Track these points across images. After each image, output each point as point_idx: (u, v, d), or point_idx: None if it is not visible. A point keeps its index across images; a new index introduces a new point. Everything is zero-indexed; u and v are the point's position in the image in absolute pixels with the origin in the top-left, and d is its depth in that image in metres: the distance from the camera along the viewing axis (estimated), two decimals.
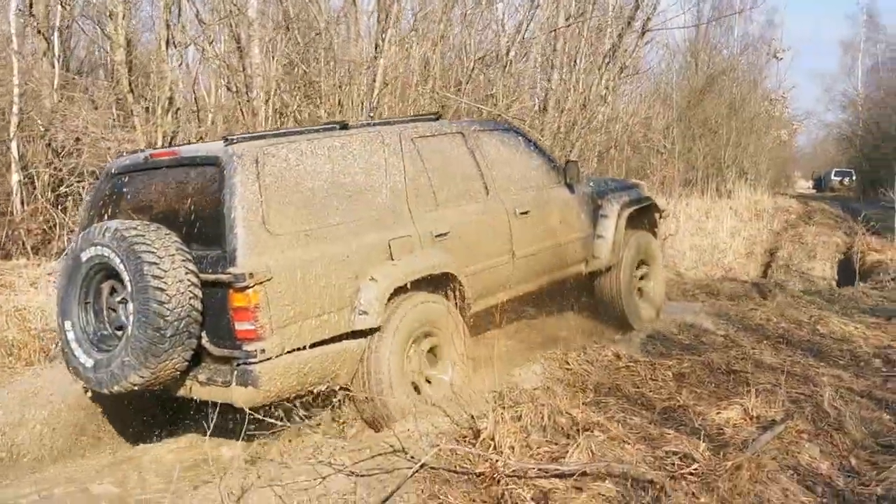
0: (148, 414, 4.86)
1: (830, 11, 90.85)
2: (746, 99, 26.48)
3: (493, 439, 3.66)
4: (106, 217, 4.58)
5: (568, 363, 4.99)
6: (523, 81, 14.13)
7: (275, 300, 4.07)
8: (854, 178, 40.33)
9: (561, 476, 3.42)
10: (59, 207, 10.44)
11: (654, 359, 5.26)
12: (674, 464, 3.56)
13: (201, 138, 9.32)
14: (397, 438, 3.76)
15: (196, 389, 4.25)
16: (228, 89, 10.17)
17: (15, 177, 10.41)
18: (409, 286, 4.66)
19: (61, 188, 9.71)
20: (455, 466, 3.55)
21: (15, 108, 10.55)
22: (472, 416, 4.04)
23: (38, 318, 6.23)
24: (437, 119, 5.88)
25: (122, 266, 4.04)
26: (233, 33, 10.04)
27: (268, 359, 4.04)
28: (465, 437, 3.84)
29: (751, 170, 27.07)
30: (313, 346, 4.27)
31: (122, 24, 7.85)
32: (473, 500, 3.30)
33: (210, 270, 4.08)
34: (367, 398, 4.43)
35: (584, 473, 3.43)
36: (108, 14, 8.32)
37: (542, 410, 4.08)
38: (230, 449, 4.20)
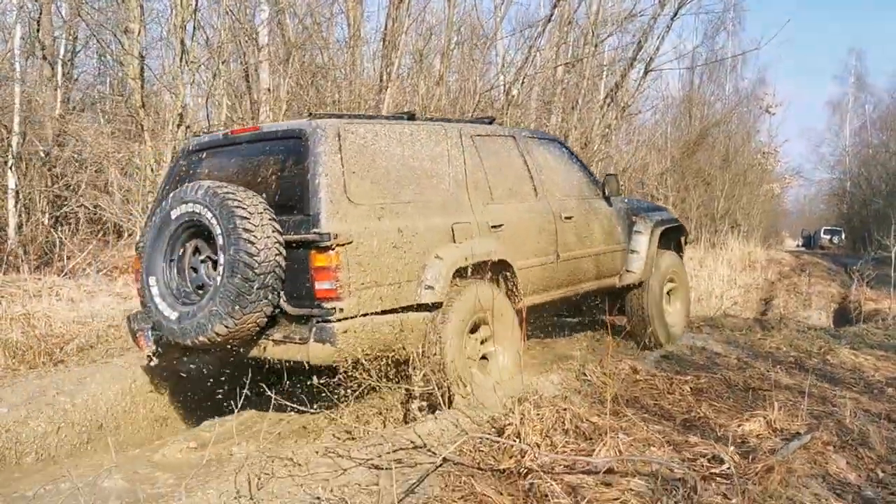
0: (160, 413, 4.75)
1: (817, 72, 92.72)
2: (739, 151, 26.80)
3: (518, 436, 3.57)
4: None
5: (585, 374, 4.90)
6: (526, 120, 14.26)
7: (353, 264, 4.25)
8: (843, 235, 40.71)
9: (589, 472, 3.33)
10: (59, 228, 10.39)
11: (671, 374, 5.19)
12: (703, 465, 3.48)
13: None
14: (417, 434, 3.66)
15: (270, 349, 4.36)
16: (235, 112, 10.20)
17: (11, 201, 10.38)
18: (469, 271, 4.88)
19: (63, 209, 9.63)
20: (479, 463, 3.46)
21: (16, 127, 10.57)
22: (493, 417, 3.95)
23: (43, 323, 6.11)
24: (491, 123, 6.12)
25: (213, 220, 4.24)
26: (242, 58, 10.10)
27: (345, 318, 4.19)
28: (489, 434, 3.74)
29: (743, 222, 27.24)
30: (384, 312, 4.43)
31: (136, 39, 7.88)
32: (500, 493, 3.19)
33: (293, 233, 4.26)
34: (426, 376, 4.46)
35: (611, 471, 3.34)
36: (123, 30, 8.36)
37: (563, 414, 4.00)
38: (242, 449, 4.07)
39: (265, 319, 4.27)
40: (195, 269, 4.51)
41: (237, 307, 4.11)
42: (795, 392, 5.02)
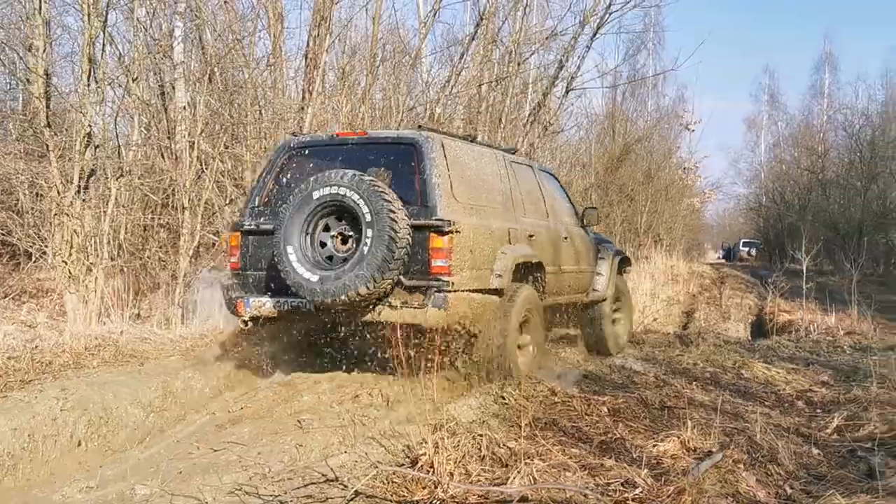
0: (62, 449, 4.53)
1: (734, 90, 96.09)
2: (661, 167, 27.41)
3: (432, 466, 3.50)
4: (284, 181, 5.72)
5: (504, 398, 4.87)
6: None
7: (458, 248, 5.17)
8: (760, 248, 42.14)
9: (502, 501, 3.29)
10: None
11: (589, 395, 5.21)
12: (617, 489, 3.47)
13: (127, 171, 8.99)
14: (330, 467, 3.57)
15: (386, 314, 5.14)
16: (149, 132, 9.92)
17: None
18: (524, 270, 5.99)
19: None
20: (392, 495, 3.38)
21: None
22: (408, 446, 3.88)
23: None
24: (514, 152, 7.27)
25: (361, 202, 4.98)
26: (157, 76, 9.83)
27: (454, 290, 5.11)
28: (402, 464, 3.67)
29: (666, 236, 27.87)
30: (473, 291, 5.33)
31: (42, 57, 7.57)
32: None
33: (412, 218, 5.10)
34: (484, 350, 5.44)
35: (525, 499, 3.31)
36: (27, 47, 8.03)
37: (479, 441, 3.96)
38: (146, 487, 3.89)
39: (391, 286, 5.09)
40: (323, 244, 5.24)
41: (379, 272, 4.91)
42: (710, 409, 5.10)
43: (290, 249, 5.12)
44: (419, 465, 3.56)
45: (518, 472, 3.49)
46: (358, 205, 4.98)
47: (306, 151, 5.82)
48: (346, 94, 12.41)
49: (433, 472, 3.46)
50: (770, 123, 46.91)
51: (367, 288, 4.92)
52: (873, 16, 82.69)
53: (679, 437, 4.32)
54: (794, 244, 23.79)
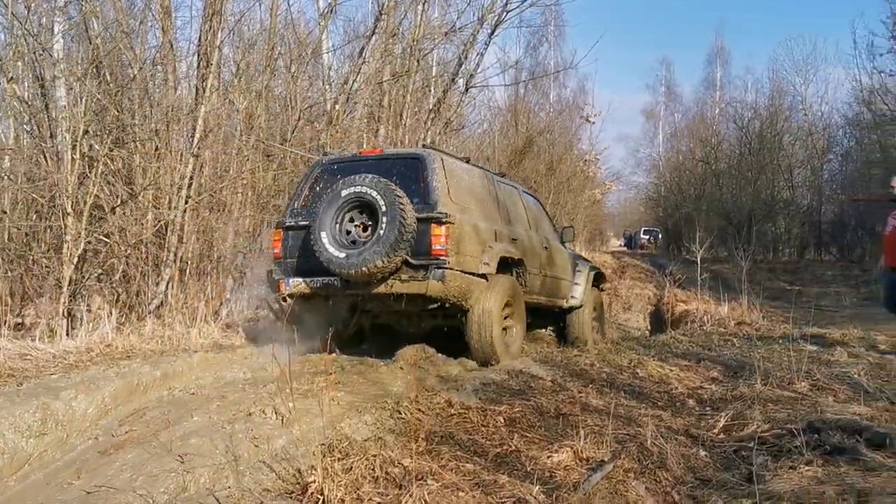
0: None
1: (633, 81, 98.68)
2: (562, 159, 27.88)
3: (321, 493, 3.42)
4: (317, 189, 7.32)
5: (400, 412, 4.82)
6: (350, 134, 14.10)
7: (453, 236, 6.64)
8: (660, 236, 43.47)
9: None
10: None
11: (486, 405, 5.21)
12: None
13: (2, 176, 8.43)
14: (216, 499, 3.44)
15: (397, 286, 6.65)
16: (29, 133, 9.39)
17: None
18: (508, 265, 7.50)
19: None
20: None
21: None
22: (299, 471, 3.79)
23: None
24: (504, 176, 9.23)
25: (378, 197, 6.46)
26: (36, 72, 9.30)
27: (448, 268, 6.57)
28: (292, 492, 3.57)
29: None
30: (465, 272, 6.77)
31: None
32: None
33: (417, 212, 6.57)
34: (476, 330, 6.95)
35: None
36: None
37: (373, 461, 3.90)
38: None
39: (398, 265, 6.53)
40: (348, 231, 6.72)
41: (391, 249, 6.36)
42: (604, 414, 5.16)
43: (323, 235, 6.61)
44: (309, 492, 3.48)
45: (410, 495, 3.46)
46: (375, 199, 6.46)
47: (335, 166, 7.43)
48: (242, 91, 12.08)
49: (323, 500, 3.38)
50: (667, 114, 48.61)
51: (383, 262, 6.36)
52: (761, 9, 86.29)
53: (572, 447, 4.37)
54: (690, 233, 24.66)
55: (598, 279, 10.36)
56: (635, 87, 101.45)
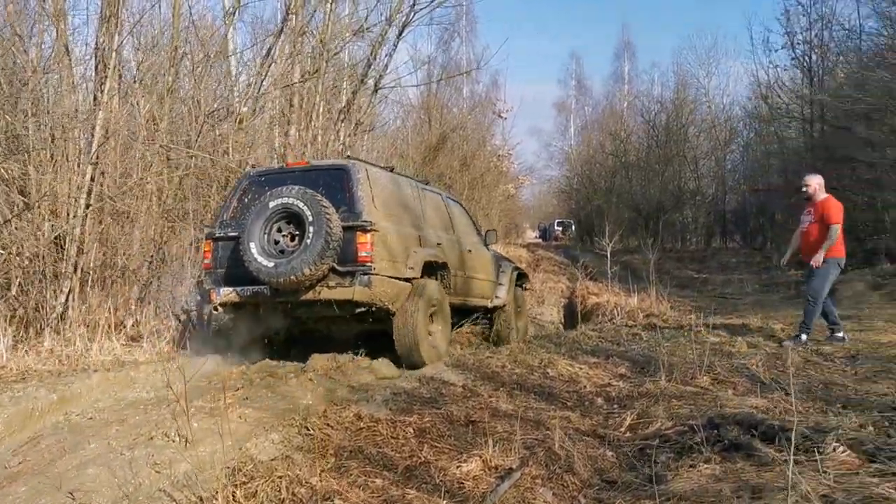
0: None
1: (544, 75, 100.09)
2: (476, 155, 28.07)
3: None
4: (246, 201, 7.49)
5: (308, 428, 4.75)
6: (259, 136, 13.83)
7: (377, 243, 6.89)
8: (573, 227, 44.32)
9: None
10: None
11: (396, 416, 5.19)
12: None
13: None
14: None
15: (325, 292, 6.85)
16: None
17: None
18: (432, 269, 7.80)
19: None
20: None
21: None
22: (201, 499, 3.69)
23: None
24: (427, 183, 9.33)
25: (305, 208, 6.67)
26: None
27: (374, 274, 6.82)
28: None
29: (484, 222, 28.60)
30: (390, 277, 7.04)
31: None
32: None
33: (343, 221, 6.80)
34: (402, 333, 7.16)
35: None
36: None
37: (279, 483, 3.83)
38: None
39: (325, 272, 6.73)
40: (276, 241, 6.90)
41: (318, 258, 6.58)
42: (514, 419, 5.21)
43: (252, 245, 6.80)
44: None
45: None
46: (302, 210, 6.67)
47: (262, 178, 7.63)
48: (144, 94, 11.69)
49: None
50: (578, 108, 49.48)
51: (310, 270, 6.57)
52: (665, 3, 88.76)
53: (481, 456, 4.39)
54: (601, 225, 25.23)
55: (521, 279, 10.80)
56: (547, 81, 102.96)
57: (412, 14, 12.80)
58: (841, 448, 4.12)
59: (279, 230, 6.92)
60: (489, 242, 9.94)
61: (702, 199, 33.81)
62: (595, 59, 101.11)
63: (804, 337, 8.32)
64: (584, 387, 6.66)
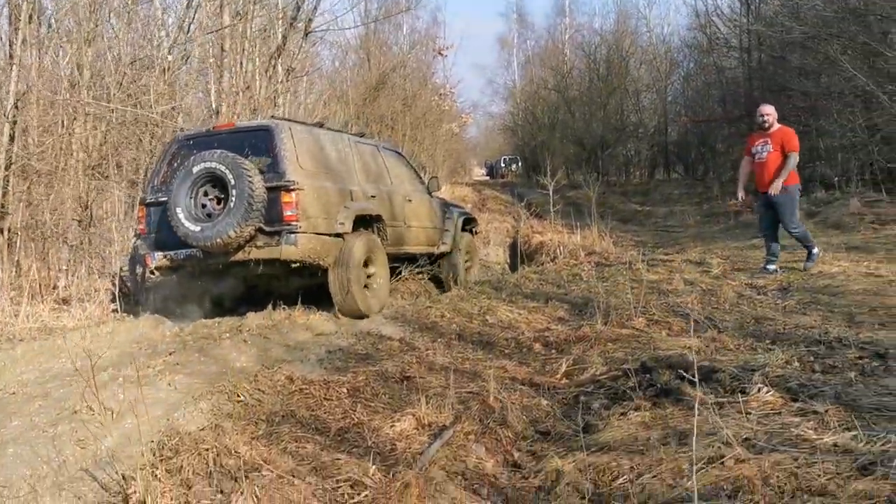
0: None
1: (486, 9, 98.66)
2: (418, 95, 27.67)
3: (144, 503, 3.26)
4: (175, 165, 7.48)
5: (238, 395, 4.66)
6: (189, 85, 13.36)
7: (302, 201, 6.98)
8: (520, 164, 44.29)
9: None
10: None
11: (330, 375, 5.13)
12: (344, 494, 3.44)
13: None
14: None
15: (254, 252, 6.98)
16: None
17: None
18: (366, 221, 7.92)
19: None
20: None
21: None
22: (124, 477, 3.60)
23: None
24: (363, 135, 9.66)
25: (227, 172, 6.79)
26: None
27: (301, 232, 6.94)
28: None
29: (428, 163, 28.39)
30: (318, 234, 7.15)
31: None
32: None
33: (270, 182, 6.91)
34: (337, 286, 7.32)
35: None
36: None
37: (206, 455, 3.75)
38: None
39: (252, 233, 6.86)
40: (203, 205, 7.03)
41: (242, 220, 6.72)
42: (451, 372, 5.20)
43: (179, 210, 6.94)
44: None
45: (240, 493, 3.35)
46: (225, 174, 6.79)
47: (190, 142, 7.62)
48: (63, 44, 11.15)
49: None
50: (520, 42, 48.88)
51: (235, 232, 6.73)
52: None
53: (414, 414, 4.37)
54: (547, 161, 25.24)
55: (470, 223, 10.95)
56: (489, 16, 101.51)
57: None
58: (765, 389, 4.20)
59: (206, 194, 7.02)
60: (432, 190, 10.03)
61: (644, 131, 33.95)
62: None
63: (816, 252, 8.60)
64: (523, 333, 6.67)
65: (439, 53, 29.69)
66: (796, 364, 4.77)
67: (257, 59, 13.45)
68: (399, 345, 6.07)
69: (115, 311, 8.11)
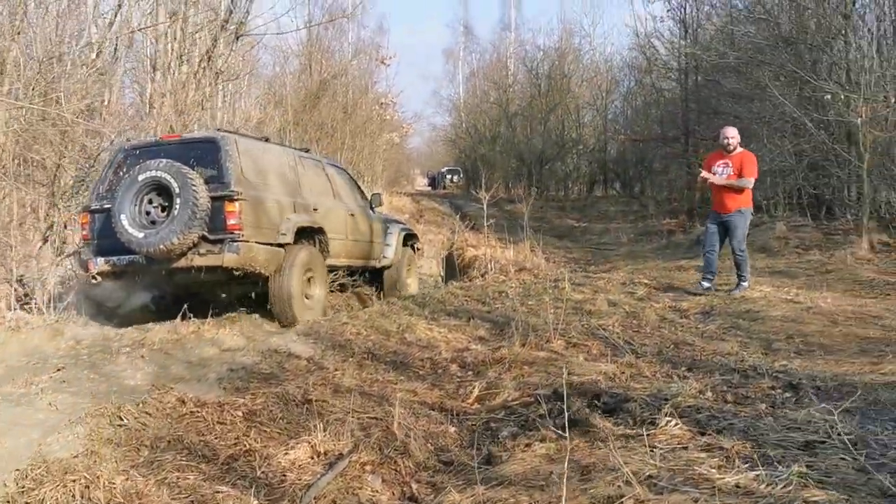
0: None
1: (433, 21, 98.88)
2: (359, 103, 27.36)
3: None
4: (121, 174, 7.52)
5: (121, 418, 4.35)
6: (115, 82, 12.85)
7: (246, 211, 7.13)
8: (461, 176, 44.23)
9: None
10: None
11: (227, 396, 4.84)
12: None
13: None
14: None
15: (196, 259, 7.04)
16: None
17: None
18: (308, 233, 8.16)
19: None
20: None
21: None
22: None
23: None
24: (308, 151, 10.09)
25: (172, 180, 6.90)
26: None
27: (244, 241, 7.08)
28: None
29: (367, 172, 28.07)
30: (260, 243, 7.31)
31: None
32: None
33: (214, 192, 7.04)
34: (277, 295, 7.57)
35: None
36: None
37: (72, 487, 3.45)
38: None
39: (195, 241, 6.95)
40: (148, 213, 7.14)
41: (186, 228, 6.84)
42: (356, 395, 4.97)
43: (123, 217, 7.03)
44: None
45: None
46: (170, 182, 6.91)
47: (137, 151, 7.72)
48: None
49: None
50: (466, 55, 48.93)
51: (178, 239, 6.85)
52: None
53: (310, 442, 4.13)
54: (487, 175, 25.21)
55: (411, 238, 11.31)
56: (436, 26, 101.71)
57: None
58: (674, 421, 4.07)
59: (150, 202, 7.16)
60: (375, 205, 10.29)
61: (584, 147, 34.23)
62: (484, 3, 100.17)
63: (745, 284, 8.60)
64: (441, 353, 6.47)
65: (382, 62, 29.47)
66: (709, 394, 4.67)
67: (196, 62, 13.05)
68: (306, 364, 5.80)
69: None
